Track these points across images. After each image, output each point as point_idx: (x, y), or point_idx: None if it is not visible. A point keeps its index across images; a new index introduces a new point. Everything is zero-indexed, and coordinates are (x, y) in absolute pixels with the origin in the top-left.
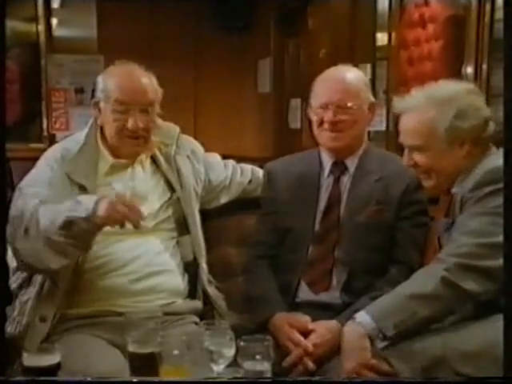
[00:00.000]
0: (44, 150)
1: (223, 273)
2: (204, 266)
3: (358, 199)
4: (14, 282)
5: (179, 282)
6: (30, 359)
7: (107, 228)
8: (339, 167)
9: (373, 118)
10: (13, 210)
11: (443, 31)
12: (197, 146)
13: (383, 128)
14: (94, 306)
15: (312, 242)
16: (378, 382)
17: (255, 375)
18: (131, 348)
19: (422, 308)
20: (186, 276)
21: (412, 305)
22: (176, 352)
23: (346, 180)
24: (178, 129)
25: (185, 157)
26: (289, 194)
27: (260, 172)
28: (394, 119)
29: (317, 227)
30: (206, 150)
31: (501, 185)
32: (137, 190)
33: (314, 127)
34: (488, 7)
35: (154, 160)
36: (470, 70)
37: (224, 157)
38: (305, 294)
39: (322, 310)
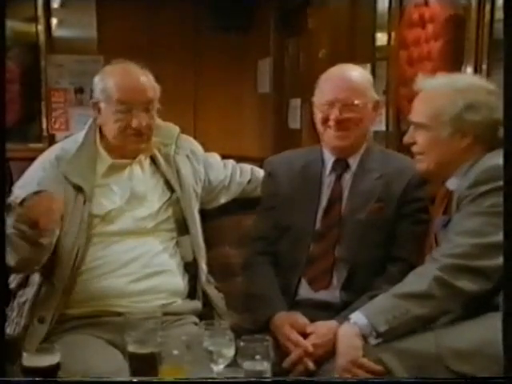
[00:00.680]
0: (44, 150)
1: (223, 273)
2: (204, 266)
3: (360, 197)
4: (12, 281)
5: (179, 282)
6: (29, 359)
7: (107, 228)
8: (341, 165)
9: (377, 117)
10: None
11: (443, 31)
12: (196, 146)
13: (383, 128)
14: (93, 307)
15: (313, 240)
16: (378, 382)
17: (255, 375)
18: (131, 348)
19: (415, 307)
20: (186, 276)
21: (405, 303)
22: (176, 352)
23: (347, 178)
24: (177, 129)
25: (184, 157)
26: (290, 190)
27: (259, 172)
28: (394, 119)
29: (318, 225)
30: (206, 150)
31: (496, 184)
32: (136, 191)
33: (318, 125)
34: (488, 7)
35: (153, 160)
36: (469, 69)
37: (224, 157)
38: (305, 291)
39: (321, 309)
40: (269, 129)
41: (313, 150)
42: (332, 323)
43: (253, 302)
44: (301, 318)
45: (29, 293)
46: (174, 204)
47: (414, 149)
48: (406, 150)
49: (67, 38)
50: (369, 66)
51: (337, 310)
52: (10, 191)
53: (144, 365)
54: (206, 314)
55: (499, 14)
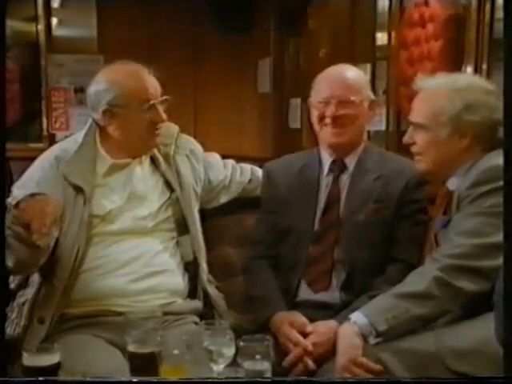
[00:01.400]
0: (44, 150)
1: (223, 273)
2: (204, 265)
3: (358, 198)
4: (12, 282)
5: (179, 281)
6: (29, 359)
7: (107, 228)
8: (338, 165)
9: (373, 117)
10: None
11: (443, 31)
12: (196, 146)
13: (383, 128)
14: (94, 306)
15: (312, 241)
16: (378, 382)
17: (255, 375)
18: (131, 348)
19: (414, 306)
20: (186, 276)
21: (405, 303)
22: (176, 352)
23: (345, 178)
24: (177, 128)
25: (184, 156)
26: (288, 193)
27: (259, 171)
28: (393, 119)
29: (316, 226)
30: (206, 150)
31: (496, 184)
32: (135, 190)
33: (315, 123)
34: (488, 7)
35: (153, 160)
36: (469, 69)
37: (224, 157)
38: (305, 293)
39: (321, 310)
40: (269, 129)
41: (310, 152)
42: (332, 323)
43: (253, 303)
44: (300, 318)
45: (28, 293)
46: (173, 204)
47: (414, 149)
48: (406, 149)
49: (67, 38)
50: (369, 65)
51: (337, 311)
52: (10, 191)
53: (144, 364)
54: (207, 313)
55: (499, 14)
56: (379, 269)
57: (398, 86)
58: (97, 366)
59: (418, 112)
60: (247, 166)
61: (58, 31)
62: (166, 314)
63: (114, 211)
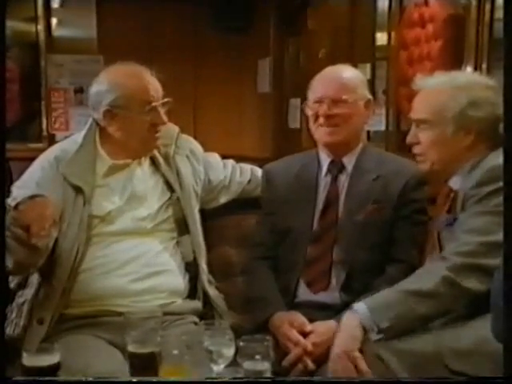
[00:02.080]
0: (43, 150)
1: (223, 273)
2: (204, 266)
3: (356, 198)
4: (11, 282)
5: (179, 282)
6: (29, 359)
7: (107, 228)
8: (337, 166)
9: (370, 116)
10: None
11: (443, 31)
12: (196, 146)
13: (383, 128)
14: (93, 306)
15: (310, 242)
16: (378, 381)
17: (255, 375)
18: (131, 348)
19: (419, 305)
20: (187, 276)
21: (410, 301)
22: (176, 352)
23: (343, 179)
24: (177, 129)
25: (184, 157)
26: (287, 194)
27: (259, 172)
28: (393, 119)
29: (315, 226)
30: (206, 150)
31: (502, 183)
32: (135, 191)
33: (311, 123)
34: (488, 7)
35: (153, 160)
36: (469, 69)
37: (224, 157)
38: (304, 293)
39: (321, 310)
40: (269, 129)
41: (309, 153)
42: (331, 323)
43: (252, 303)
44: (300, 318)
45: (28, 293)
46: (174, 204)
47: (417, 149)
48: (406, 150)
49: (67, 38)
50: (369, 65)
51: (336, 311)
52: (9, 191)
53: (144, 364)
54: (206, 313)
55: (499, 14)
56: (379, 269)
57: (397, 86)
58: (97, 366)
59: (421, 109)
60: (247, 166)
61: (57, 31)
62: (165, 314)
63: (113, 212)
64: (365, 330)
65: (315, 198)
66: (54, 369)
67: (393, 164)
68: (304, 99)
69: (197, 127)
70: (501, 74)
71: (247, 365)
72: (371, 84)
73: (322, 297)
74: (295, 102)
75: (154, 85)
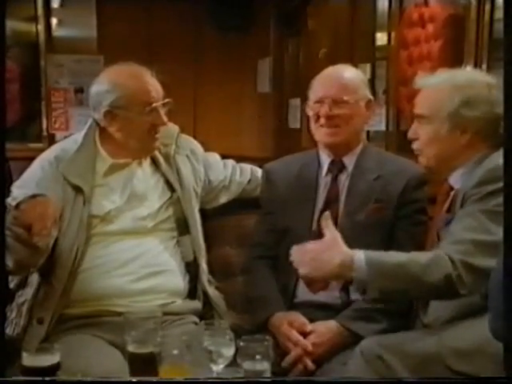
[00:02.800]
0: (43, 150)
1: (223, 273)
2: (204, 266)
3: (357, 198)
4: (11, 282)
5: (179, 282)
6: (29, 359)
7: (107, 228)
8: (337, 165)
9: (370, 116)
10: None
11: (443, 31)
12: (196, 146)
13: (383, 128)
14: (93, 306)
15: (310, 241)
16: (378, 381)
17: (255, 375)
18: (131, 348)
19: (414, 290)
20: (187, 276)
21: (409, 284)
22: (175, 352)
23: (344, 178)
24: (177, 129)
25: (184, 157)
26: (287, 194)
27: (259, 171)
28: (393, 119)
29: (315, 226)
30: (206, 150)
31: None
32: (135, 190)
33: (311, 124)
34: (488, 7)
35: (153, 160)
36: (469, 69)
37: (224, 156)
38: (303, 294)
39: (320, 310)
40: (269, 128)
41: (309, 153)
42: (331, 323)
43: (252, 303)
44: (300, 318)
45: (28, 293)
46: (174, 204)
47: (416, 145)
48: (406, 150)
49: (67, 38)
50: (369, 65)
51: (336, 311)
52: (9, 191)
53: (144, 365)
54: (206, 313)
55: (499, 14)
56: None
57: (397, 86)
58: (97, 366)
59: (421, 105)
60: (247, 166)
61: (57, 31)
62: (165, 314)
63: (113, 211)
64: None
65: (315, 197)
66: (54, 369)
67: (393, 164)
68: (304, 99)
69: (197, 127)
70: (501, 73)
71: (247, 365)
72: (371, 84)
73: (322, 297)
74: (295, 102)
75: (154, 85)
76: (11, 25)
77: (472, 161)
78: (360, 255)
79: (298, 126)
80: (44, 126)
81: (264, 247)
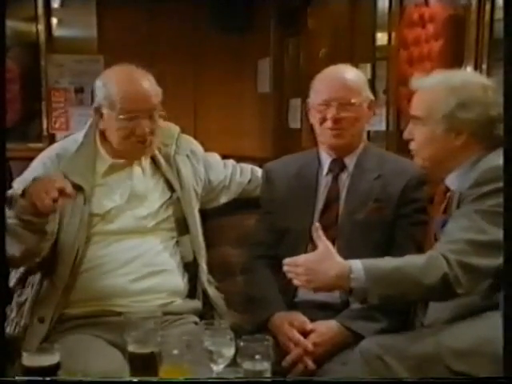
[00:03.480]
0: (44, 150)
1: (223, 273)
2: (204, 266)
3: (357, 197)
4: (11, 280)
5: (179, 281)
6: (29, 359)
7: (107, 227)
8: (338, 165)
9: (372, 116)
10: None
11: (443, 31)
12: (196, 146)
13: (383, 128)
14: (93, 306)
15: (310, 241)
16: (378, 382)
17: (255, 375)
18: (131, 348)
19: (413, 293)
20: (186, 276)
21: (408, 288)
22: (176, 352)
23: (344, 178)
24: (177, 129)
25: (184, 157)
26: (287, 193)
27: (259, 171)
28: (394, 119)
29: None
30: (206, 150)
31: (499, 184)
32: (136, 190)
33: (316, 125)
34: (488, 7)
35: (153, 160)
36: (469, 69)
37: (224, 156)
38: (304, 293)
39: (321, 310)
40: (269, 129)
41: (310, 152)
42: (332, 323)
43: (252, 303)
44: (300, 317)
45: (28, 292)
46: (174, 204)
47: (412, 146)
48: (406, 150)
49: (67, 38)
50: (369, 65)
51: (337, 311)
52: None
53: (144, 364)
54: (206, 313)
55: (499, 14)
56: None
57: (397, 86)
58: (97, 366)
59: (416, 106)
60: (247, 166)
61: (58, 31)
62: (165, 313)
63: (113, 210)
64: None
65: (315, 197)
66: (54, 369)
67: (394, 163)
68: (304, 99)
69: (197, 127)
70: (501, 73)
71: (247, 365)
72: (371, 84)
73: (322, 296)
74: (295, 102)
75: (147, 92)
76: (11, 25)
77: (467, 162)
78: (357, 265)
79: (298, 125)
80: (44, 125)
81: (264, 247)
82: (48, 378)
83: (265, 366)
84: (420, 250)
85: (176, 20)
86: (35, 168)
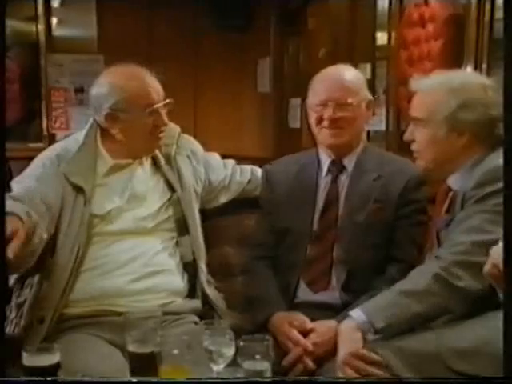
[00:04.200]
0: (44, 150)
1: (223, 273)
2: (203, 266)
3: (357, 198)
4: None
5: (178, 281)
6: (29, 359)
7: (107, 228)
8: (337, 166)
9: (370, 116)
10: None
11: (443, 31)
12: (197, 146)
13: (383, 128)
14: (93, 306)
15: (310, 242)
16: (378, 382)
17: (255, 375)
18: (131, 348)
19: (414, 304)
20: (186, 276)
21: (404, 300)
22: (176, 352)
23: (344, 179)
24: (178, 129)
25: (185, 157)
26: (287, 194)
27: (259, 172)
28: (394, 119)
29: (315, 226)
30: (206, 150)
31: (501, 184)
32: (136, 190)
33: (313, 125)
34: (488, 6)
35: (154, 160)
36: (469, 69)
37: (224, 157)
38: (304, 293)
39: (321, 310)
40: (269, 128)
41: (309, 153)
42: (332, 323)
43: (252, 303)
44: (300, 317)
45: (27, 293)
46: (174, 204)
47: (413, 147)
48: (406, 150)
49: (67, 38)
50: (369, 65)
51: (337, 311)
52: (10, 187)
53: (144, 364)
54: (206, 313)
55: (499, 14)
56: (379, 269)
57: (397, 86)
58: (97, 366)
59: (417, 108)
60: (247, 167)
61: (58, 31)
62: (165, 313)
63: (114, 211)
64: (363, 333)
65: (315, 197)
66: (54, 369)
67: (393, 164)
68: (304, 99)
69: (197, 127)
70: (501, 73)
71: (247, 365)
72: (371, 84)
73: (322, 297)
74: (295, 101)
75: (154, 86)
76: (11, 25)
77: (470, 162)
78: (355, 313)
79: (298, 125)
80: (44, 125)
81: (264, 247)
82: (48, 378)
83: (265, 366)
84: (420, 250)
85: (176, 20)
86: (34, 167)
